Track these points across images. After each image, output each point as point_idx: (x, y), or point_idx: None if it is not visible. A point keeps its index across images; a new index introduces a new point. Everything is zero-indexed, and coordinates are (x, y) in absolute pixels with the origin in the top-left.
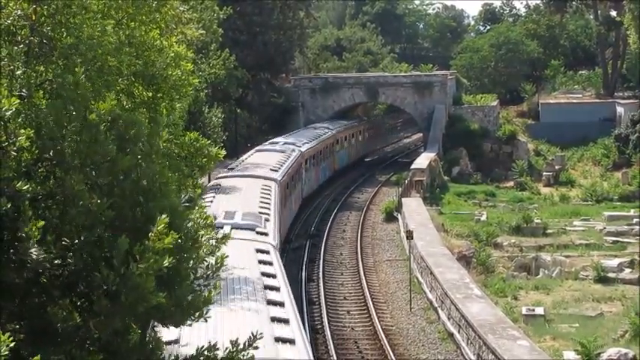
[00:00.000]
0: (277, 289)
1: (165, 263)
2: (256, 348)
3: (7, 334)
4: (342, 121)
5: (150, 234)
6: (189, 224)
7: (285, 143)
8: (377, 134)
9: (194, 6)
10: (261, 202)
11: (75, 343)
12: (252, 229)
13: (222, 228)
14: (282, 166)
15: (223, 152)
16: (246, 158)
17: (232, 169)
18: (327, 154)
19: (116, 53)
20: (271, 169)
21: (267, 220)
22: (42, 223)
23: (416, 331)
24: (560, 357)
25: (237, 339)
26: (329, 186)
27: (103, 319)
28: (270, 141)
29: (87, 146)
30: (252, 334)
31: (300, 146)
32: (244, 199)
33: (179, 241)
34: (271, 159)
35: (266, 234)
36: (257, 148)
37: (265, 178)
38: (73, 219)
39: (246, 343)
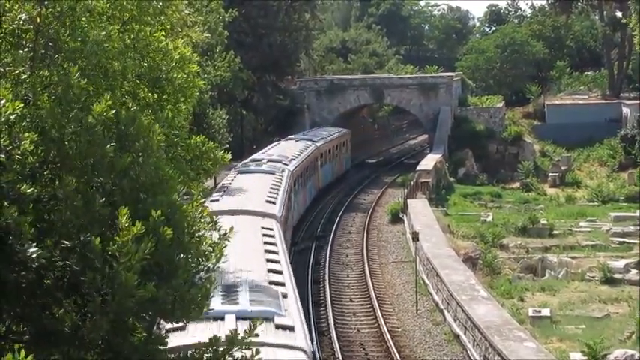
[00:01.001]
0: None
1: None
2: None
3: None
4: (323, 131)
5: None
6: (188, 219)
7: (270, 161)
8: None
9: (199, 9)
10: (268, 259)
11: (75, 343)
12: (270, 320)
13: (222, 319)
14: (277, 194)
15: (229, 157)
16: (229, 184)
17: (216, 200)
18: (312, 171)
19: (121, 57)
20: (267, 201)
21: (284, 295)
22: (30, 217)
23: (422, 333)
24: (567, 358)
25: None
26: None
27: (96, 318)
28: (251, 158)
29: (86, 147)
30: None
31: (287, 164)
32: (245, 259)
33: (178, 237)
34: (261, 184)
35: (291, 328)
36: (238, 169)
37: (263, 215)
38: (68, 220)
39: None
